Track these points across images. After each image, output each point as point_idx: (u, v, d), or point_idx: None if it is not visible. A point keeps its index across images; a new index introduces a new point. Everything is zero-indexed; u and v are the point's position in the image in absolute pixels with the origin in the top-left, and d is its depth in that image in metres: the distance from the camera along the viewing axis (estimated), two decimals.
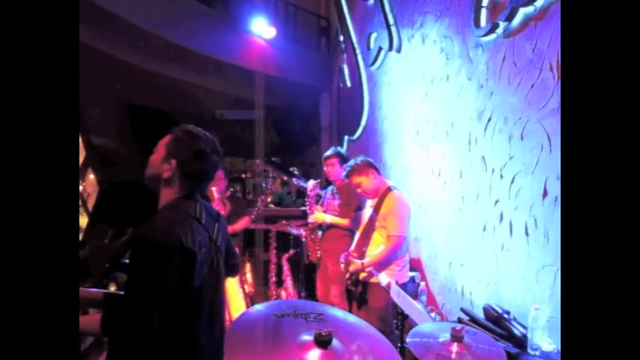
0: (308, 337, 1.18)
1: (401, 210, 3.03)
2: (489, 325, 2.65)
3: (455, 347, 1.48)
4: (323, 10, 6.66)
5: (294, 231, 4.42)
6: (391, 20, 4.40)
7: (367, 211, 3.24)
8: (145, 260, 1.35)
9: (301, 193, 5.77)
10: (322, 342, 1.17)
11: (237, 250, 3.10)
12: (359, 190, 3.18)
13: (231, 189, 5.19)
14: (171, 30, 5.01)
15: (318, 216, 3.89)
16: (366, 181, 3.11)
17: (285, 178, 5.66)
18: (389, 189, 3.10)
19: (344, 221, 3.81)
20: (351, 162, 3.19)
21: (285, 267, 4.75)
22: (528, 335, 2.40)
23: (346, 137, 5.84)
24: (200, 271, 1.46)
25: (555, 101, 2.43)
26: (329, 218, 3.85)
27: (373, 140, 5.03)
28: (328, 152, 3.93)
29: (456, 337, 1.47)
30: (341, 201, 3.87)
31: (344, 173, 3.26)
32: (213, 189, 3.83)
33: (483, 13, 3.00)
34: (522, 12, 2.64)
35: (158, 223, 1.44)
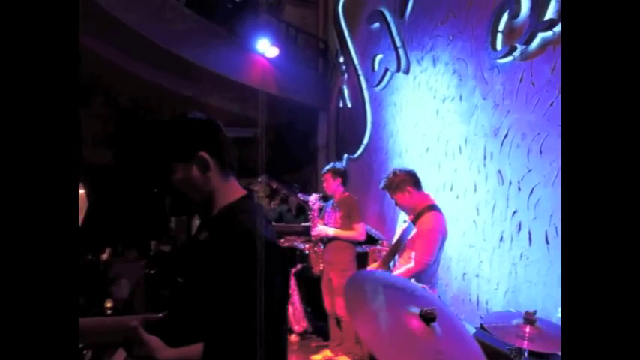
0: (414, 310, 1.27)
1: (433, 235, 2.81)
2: None
3: (528, 329, 1.59)
4: (321, 33, 6.89)
5: (300, 245, 4.49)
6: (398, 43, 4.62)
7: (400, 225, 3.14)
8: (247, 274, 1.13)
9: (301, 210, 5.86)
10: (427, 318, 1.26)
11: None
12: (396, 206, 3.04)
13: None
14: (178, 43, 5.10)
15: (321, 228, 3.96)
16: (401, 199, 2.94)
17: (285, 195, 5.74)
18: (428, 207, 2.88)
19: (347, 233, 3.91)
20: (388, 174, 3.03)
21: (292, 281, 4.78)
22: None
23: (346, 156, 5.98)
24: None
25: None
26: (331, 231, 3.92)
27: (377, 158, 5.18)
28: (325, 168, 4.07)
29: (529, 319, 1.59)
30: (342, 213, 3.97)
31: (381, 186, 3.08)
32: None
33: (499, 37, 3.22)
34: (540, 36, 2.87)
35: (251, 231, 1.20)
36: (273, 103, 6.51)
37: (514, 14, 3.07)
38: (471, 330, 2.76)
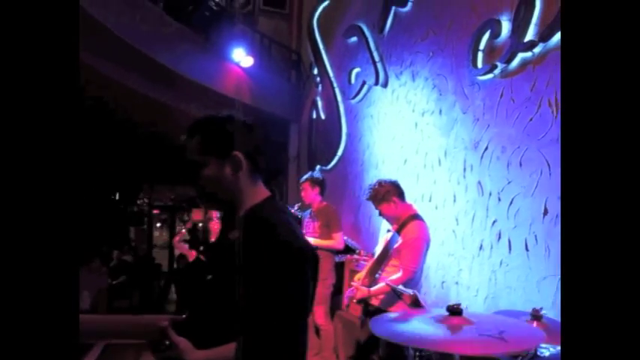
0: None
1: (418, 243, 2.91)
2: None
3: (534, 324, 1.69)
4: (294, 45, 6.96)
5: None
6: (377, 57, 4.76)
7: (383, 236, 3.20)
8: (288, 276, 1.15)
9: None
10: (454, 312, 1.33)
11: None
12: (380, 216, 3.12)
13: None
14: (153, 46, 5.01)
15: None
16: (386, 209, 3.01)
17: None
18: (411, 217, 2.99)
19: (326, 242, 3.95)
20: (372, 185, 3.10)
21: None
22: None
23: (318, 167, 6.04)
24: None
25: (555, 132, 2.81)
26: (311, 240, 3.95)
27: (352, 170, 5.27)
28: (303, 177, 4.12)
29: (536, 315, 1.69)
30: (320, 222, 4.02)
31: (365, 197, 3.15)
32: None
33: (480, 55, 3.40)
34: (520, 56, 3.06)
35: (285, 232, 1.21)
36: (246, 113, 6.47)
37: (495, 34, 3.25)
38: None
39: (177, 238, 4.32)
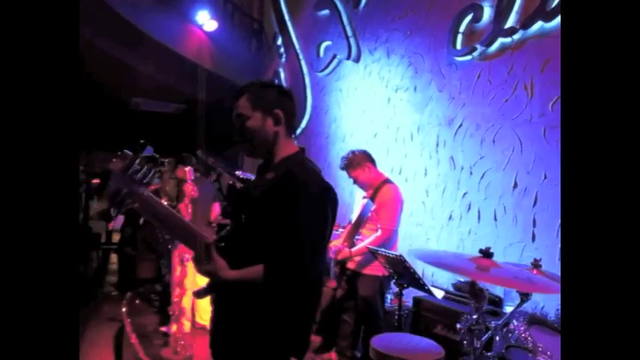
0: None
1: (394, 204, 3.10)
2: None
3: (534, 271, 1.91)
4: (256, 13, 6.83)
5: None
6: (349, 32, 4.84)
7: (359, 202, 3.36)
8: (312, 208, 1.41)
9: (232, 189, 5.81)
10: (486, 254, 1.50)
11: None
12: (355, 184, 3.27)
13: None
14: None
15: None
16: (361, 175, 3.17)
17: (220, 173, 5.61)
18: (384, 181, 3.19)
19: None
20: (346, 154, 3.26)
21: None
22: (502, 296, 2.98)
23: None
24: None
25: (528, 113, 3.09)
26: None
27: (316, 142, 5.35)
28: None
29: (536, 265, 1.91)
30: None
31: (340, 166, 3.29)
32: (188, 169, 3.75)
33: (459, 37, 3.60)
34: (500, 41, 3.29)
35: (312, 174, 1.49)
36: (206, 79, 6.32)
37: (476, 19, 3.46)
38: (440, 294, 3.09)
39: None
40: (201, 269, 1.43)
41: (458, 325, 1.81)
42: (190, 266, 3.81)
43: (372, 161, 3.28)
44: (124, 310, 4.57)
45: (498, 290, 3.08)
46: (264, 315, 1.45)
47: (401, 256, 2.75)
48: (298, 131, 5.65)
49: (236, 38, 6.37)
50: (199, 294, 1.51)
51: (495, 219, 3.25)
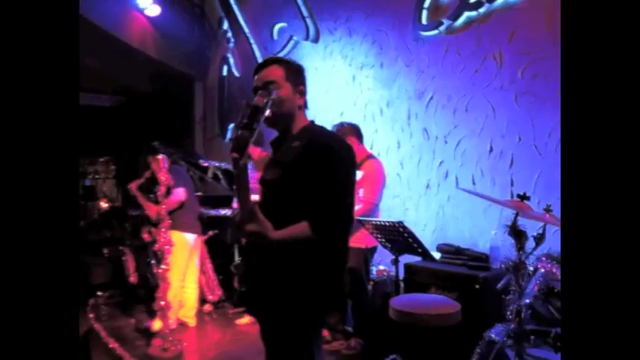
0: None
1: (377, 178, 3.24)
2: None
3: (548, 215, 2.07)
4: None
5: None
6: (305, 13, 4.83)
7: None
8: (343, 167, 1.58)
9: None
10: (523, 197, 1.61)
11: None
12: None
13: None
14: None
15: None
16: None
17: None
18: (368, 156, 3.30)
19: None
20: (335, 125, 3.34)
21: (203, 250, 4.60)
22: (489, 253, 3.18)
23: (232, 125, 5.94)
24: None
25: (498, 81, 3.30)
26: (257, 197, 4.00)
27: None
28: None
29: (548, 209, 2.07)
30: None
31: None
32: (161, 157, 3.57)
33: (424, 13, 3.74)
34: (466, 14, 3.47)
35: (335, 138, 1.70)
36: (148, 67, 6.01)
37: None
38: (437, 256, 3.24)
39: (134, 184, 3.92)
40: (250, 230, 1.47)
41: (502, 266, 1.92)
42: (174, 259, 3.66)
43: (359, 137, 3.37)
44: (91, 316, 4.29)
45: (483, 249, 3.30)
46: (307, 270, 1.56)
47: (400, 222, 2.84)
48: None
49: (180, 24, 6.10)
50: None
51: (474, 183, 3.46)
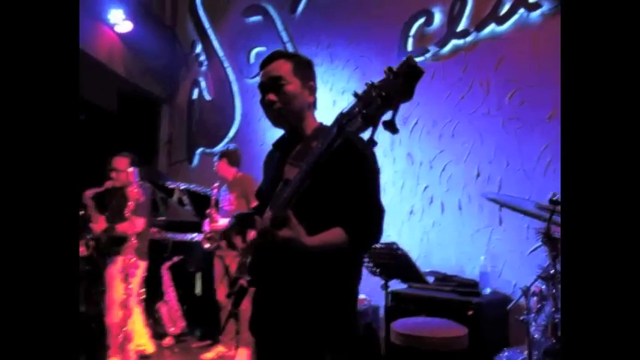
0: None
1: None
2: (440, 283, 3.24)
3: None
4: (168, 19, 6.42)
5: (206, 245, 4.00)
6: (285, 38, 4.80)
7: None
8: (373, 171, 1.47)
9: (156, 203, 5.29)
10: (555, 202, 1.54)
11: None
12: None
13: None
14: None
15: (223, 222, 3.78)
16: None
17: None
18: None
19: None
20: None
21: (166, 277, 4.25)
22: (479, 280, 3.10)
23: (200, 149, 5.73)
24: None
25: (485, 107, 3.34)
26: (224, 221, 3.80)
27: (249, 151, 5.09)
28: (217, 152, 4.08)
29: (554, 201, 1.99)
30: (236, 193, 3.91)
31: None
32: (131, 170, 3.30)
33: (410, 40, 3.79)
34: (453, 42, 3.53)
35: (360, 139, 1.43)
36: (114, 84, 5.72)
37: (427, 23, 3.68)
38: (430, 279, 3.10)
39: (89, 192, 3.51)
40: (283, 236, 1.29)
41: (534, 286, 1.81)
42: (136, 282, 3.32)
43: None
44: None
45: (471, 275, 3.21)
46: (334, 286, 1.42)
47: (394, 243, 2.73)
48: (225, 140, 5.39)
49: (150, 44, 5.91)
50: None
51: (460, 208, 3.41)
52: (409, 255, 2.66)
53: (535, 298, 1.98)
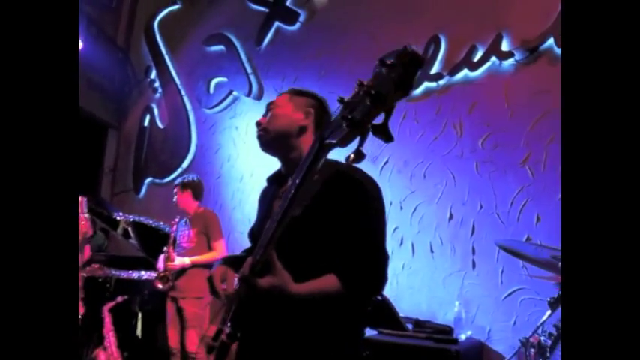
0: None
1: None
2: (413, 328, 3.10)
3: None
4: (122, 41, 6.10)
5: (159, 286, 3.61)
6: (249, 69, 4.67)
7: None
8: (377, 209, 1.30)
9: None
10: None
11: None
12: None
13: None
14: None
15: (179, 262, 3.48)
16: None
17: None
18: None
19: (206, 256, 3.54)
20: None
21: (107, 320, 3.78)
22: (453, 326, 3.00)
23: (149, 179, 5.36)
24: None
25: (458, 149, 3.34)
26: (187, 260, 3.51)
27: (204, 183, 4.84)
28: (177, 181, 3.80)
29: None
30: (197, 229, 3.64)
31: None
32: (81, 200, 2.95)
33: None
34: (426, 85, 3.55)
35: (365, 174, 1.36)
36: None
37: None
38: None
39: None
40: (266, 285, 1.14)
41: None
42: None
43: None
44: None
45: (443, 321, 3.11)
46: (327, 340, 1.24)
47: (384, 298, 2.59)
48: (178, 171, 5.07)
49: (101, 65, 5.56)
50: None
51: (432, 251, 3.33)
52: (389, 300, 2.51)
53: (533, 350, 1.88)
